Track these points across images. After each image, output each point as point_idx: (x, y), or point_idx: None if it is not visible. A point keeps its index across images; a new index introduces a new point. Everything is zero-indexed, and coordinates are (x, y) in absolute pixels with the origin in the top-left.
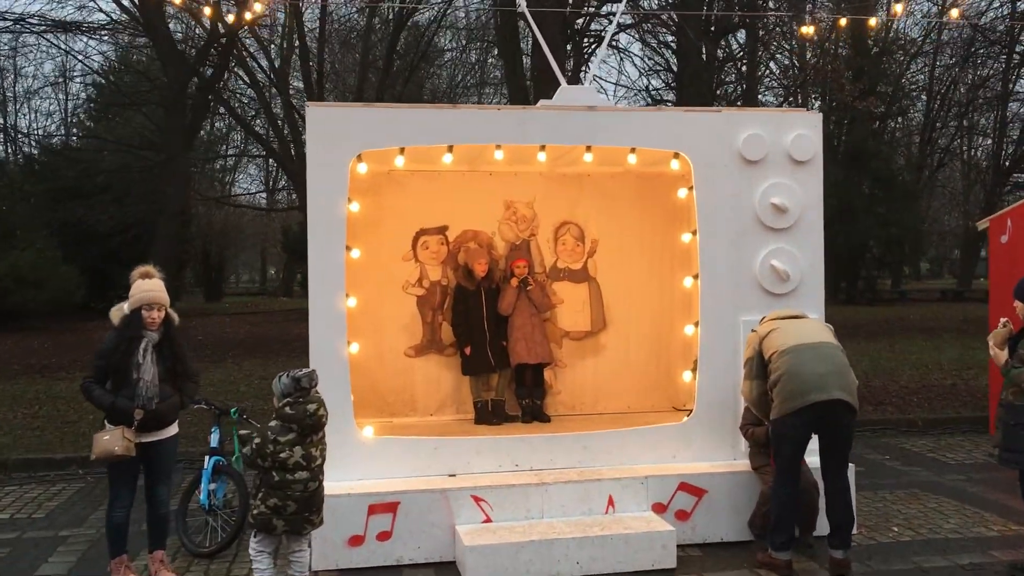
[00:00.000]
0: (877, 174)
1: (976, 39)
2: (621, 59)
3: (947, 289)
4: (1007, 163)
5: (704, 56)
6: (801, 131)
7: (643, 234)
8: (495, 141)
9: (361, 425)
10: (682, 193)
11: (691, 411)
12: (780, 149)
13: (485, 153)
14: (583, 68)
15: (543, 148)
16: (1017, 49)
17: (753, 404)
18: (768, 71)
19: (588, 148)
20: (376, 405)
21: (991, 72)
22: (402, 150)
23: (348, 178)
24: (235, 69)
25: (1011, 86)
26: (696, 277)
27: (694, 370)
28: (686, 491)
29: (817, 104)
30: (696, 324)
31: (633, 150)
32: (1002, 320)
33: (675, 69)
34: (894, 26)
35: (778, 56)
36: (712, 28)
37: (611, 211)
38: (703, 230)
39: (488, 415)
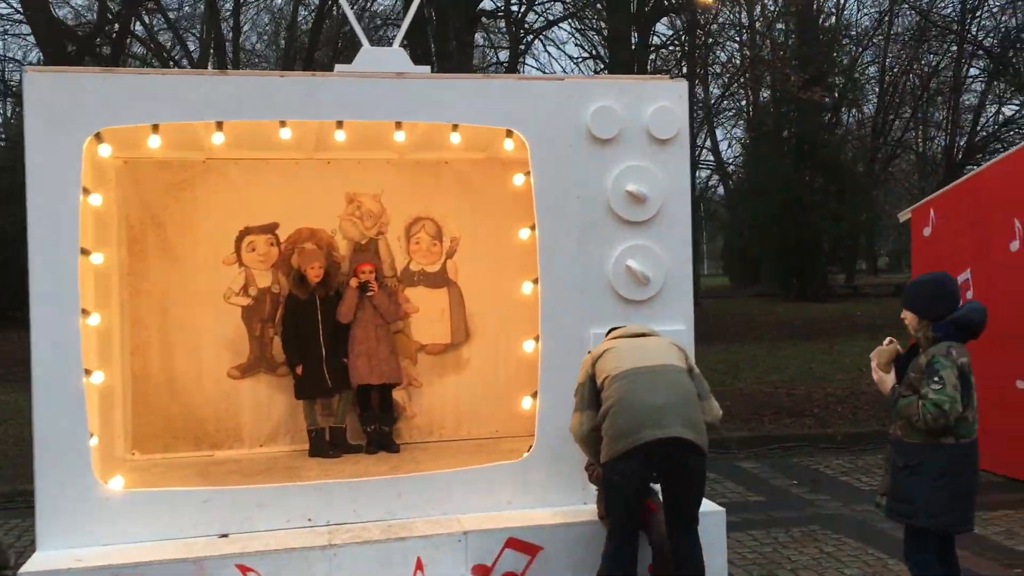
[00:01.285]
0: (827, 166)
1: (927, 29)
2: (551, 53)
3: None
4: (959, 155)
5: (634, 44)
6: (663, 103)
7: (512, 231)
8: (278, 116)
9: (108, 476)
10: (518, 180)
11: (531, 446)
12: (637, 125)
13: (322, 136)
14: (520, 60)
15: (340, 125)
16: (968, 39)
17: (583, 442)
18: (711, 59)
19: (399, 125)
20: (193, 436)
21: (942, 63)
22: (156, 128)
23: (81, 163)
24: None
25: (964, 77)
26: (536, 282)
27: (535, 395)
28: (516, 548)
29: (767, 94)
30: (537, 339)
31: (455, 128)
32: (888, 338)
33: (606, 59)
34: (843, 15)
35: (722, 44)
36: (646, 9)
37: (474, 204)
38: (542, 225)
39: (324, 446)
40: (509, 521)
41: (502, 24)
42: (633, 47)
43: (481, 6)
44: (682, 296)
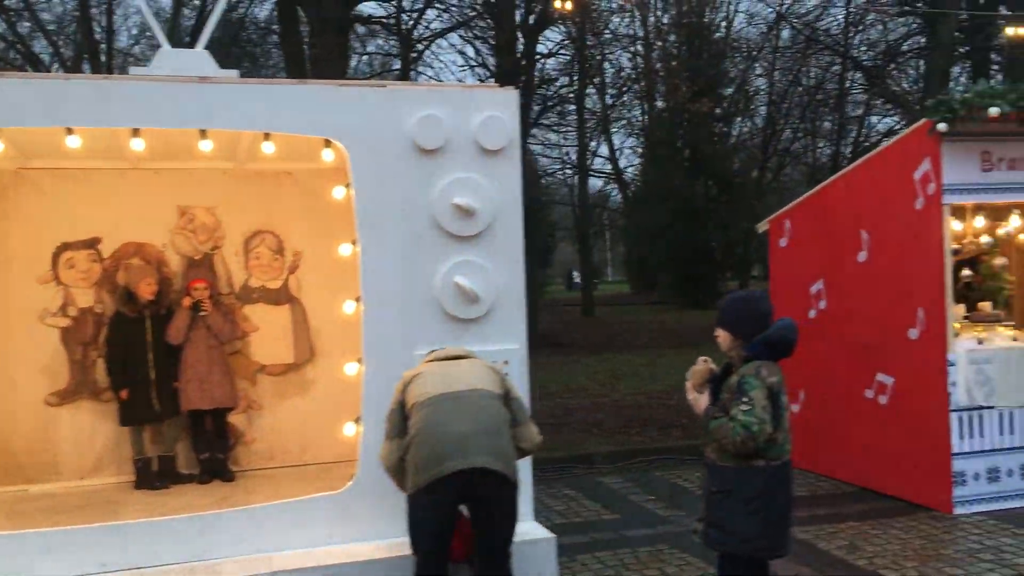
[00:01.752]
0: (717, 176)
1: (811, 44)
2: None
3: None
4: (845, 164)
5: (520, 53)
6: (492, 112)
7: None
8: (64, 122)
9: None
10: (339, 193)
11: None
12: (465, 135)
13: (155, 145)
14: (412, 68)
15: (136, 133)
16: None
17: (392, 472)
18: (601, 69)
19: (203, 134)
20: (4, 470)
21: (826, 76)
22: None
23: None
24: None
25: (847, 90)
26: (359, 300)
27: (358, 421)
28: None
29: (660, 105)
30: (360, 361)
31: (267, 136)
32: (702, 357)
33: (491, 68)
34: (732, 28)
35: (614, 55)
36: (531, 19)
37: (319, 217)
38: (365, 240)
39: (151, 476)
40: (327, 558)
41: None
42: (519, 56)
43: (357, 11)
44: (515, 313)
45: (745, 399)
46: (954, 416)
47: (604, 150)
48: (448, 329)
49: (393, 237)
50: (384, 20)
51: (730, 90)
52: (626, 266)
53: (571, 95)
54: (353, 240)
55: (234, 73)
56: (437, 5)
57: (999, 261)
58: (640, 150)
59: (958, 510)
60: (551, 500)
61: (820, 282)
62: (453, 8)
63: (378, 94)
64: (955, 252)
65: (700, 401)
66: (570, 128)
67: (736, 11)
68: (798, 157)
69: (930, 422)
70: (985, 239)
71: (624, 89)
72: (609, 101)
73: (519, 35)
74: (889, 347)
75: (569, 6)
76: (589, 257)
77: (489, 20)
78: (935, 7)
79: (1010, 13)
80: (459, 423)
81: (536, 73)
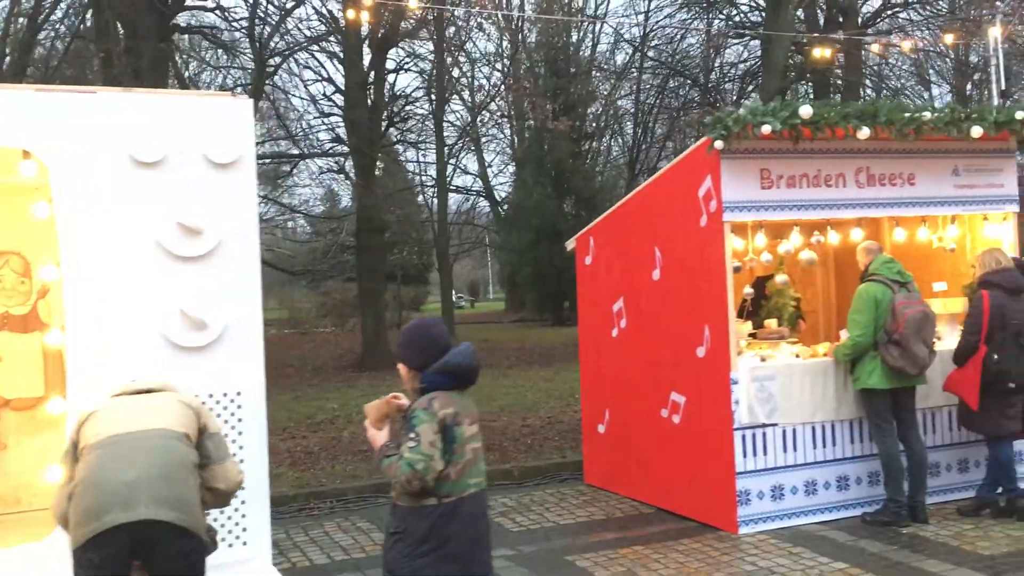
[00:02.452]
0: (579, 194)
1: (673, 70)
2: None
3: None
4: None
5: (367, 66)
6: (222, 123)
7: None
8: None
9: None
10: (42, 211)
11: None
12: (191, 147)
13: None
14: (267, 83)
15: None
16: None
17: (62, 522)
18: (458, 87)
19: None
20: None
21: (689, 100)
22: None
23: None
24: None
25: (706, 115)
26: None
27: None
28: None
29: (528, 124)
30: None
31: None
32: (393, 393)
33: (341, 86)
34: (597, 49)
35: (479, 73)
36: (380, 34)
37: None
38: (71, 263)
39: None
40: None
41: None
42: (366, 70)
43: (176, 20)
44: (250, 341)
45: (412, 435)
46: (738, 434)
47: (473, 166)
48: (173, 359)
49: (104, 261)
50: (206, 30)
51: (592, 109)
52: (502, 284)
53: (427, 111)
54: (58, 262)
55: None
56: (293, 18)
57: (780, 278)
58: (505, 167)
59: (743, 529)
60: (339, 534)
61: (621, 300)
62: (303, 24)
63: (86, 101)
64: (736, 269)
65: (377, 438)
66: (429, 145)
67: (601, 32)
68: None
69: (716, 441)
70: (766, 256)
71: (482, 107)
72: (468, 118)
73: (366, 49)
74: (681, 365)
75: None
76: (449, 276)
77: (336, 36)
78: (769, 30)
79: (842, 36)
80: (126, 469)
81: (396, 90)
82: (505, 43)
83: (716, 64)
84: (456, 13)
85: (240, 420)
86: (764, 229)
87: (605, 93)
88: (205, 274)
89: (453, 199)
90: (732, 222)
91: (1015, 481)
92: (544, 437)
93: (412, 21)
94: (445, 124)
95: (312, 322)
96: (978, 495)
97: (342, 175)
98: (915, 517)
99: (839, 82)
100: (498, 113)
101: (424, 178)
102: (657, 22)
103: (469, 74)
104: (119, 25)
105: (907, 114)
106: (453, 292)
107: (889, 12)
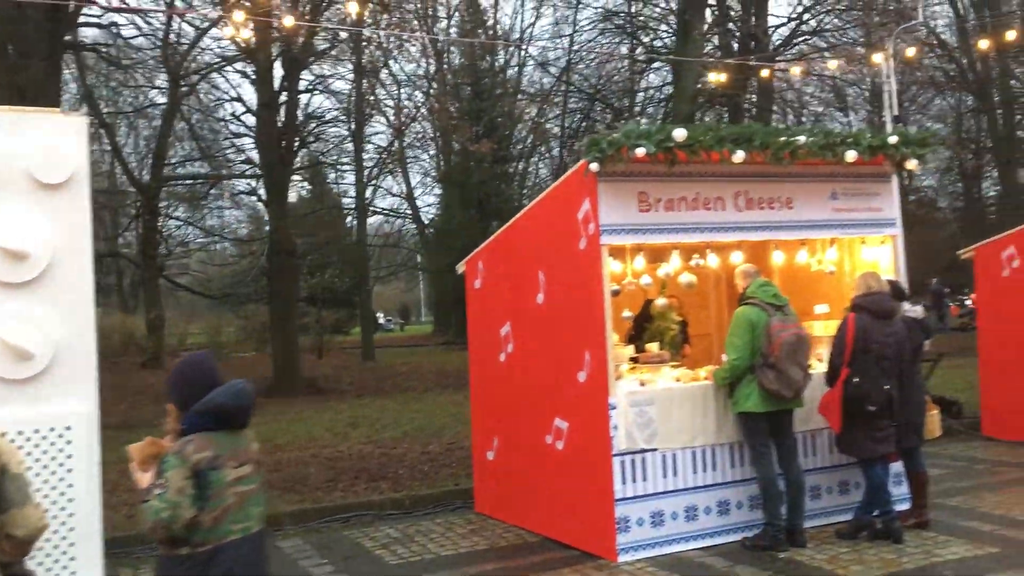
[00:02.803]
0: (503, 216)
1: (592, 97)
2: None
3: None
4: None
5: (278, 87)
6: (51, 140)
7: None
8: None
9: None
10: None
11: None
12: (15, 166)
13: None
14: (184, 103)
15: None
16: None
17: None
18: (379, 108)
19: None
20: None
21: (612, 124)
22: None
23: None
24: None
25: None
26: None
27: None
28: None
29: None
30: None
31: None
32: (149, 438)
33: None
34: (522, 71)
35: (393, 93)
36: (292, 55)
37: None
38: None
39: None
40: None
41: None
42: (278, 88)
43: (68, 37)
44: (81, 370)
45: (161, 481)
46: (616, 460)
47: (400, 188)
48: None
49: None
50: (99, 47)
51: (517, 132)
52: (430, 307)
53: (346, 133)
54: None
55: None
56: (209, 37)
57: (660, 302)
58: (437, 189)
59: (622, 557)
60: None
61: (508, 325)
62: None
63: None
64: (615, 292)
65: (142, 480)
66: (346, 166)
67: (526, 55)
68: None
69: (595, 467)
70: (645, 279)
71: (403, 129)
72: (388, 140)
73: (279, 68)
74: (563, 390)
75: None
76: (369, 300)
77: (248, 57)
78: (680, 55)
79: (743, 61)
80: None
81: (314, 110)
82: (428, 65)
83: (641, 87)
84: (375, 34)
85: (69, 456)
86: (643, 252)
87: (530, 116)
88: (31, 300)
89: (380, 221)
90: (610, 245)
91: (889, 503)
92: (442, 464)
93: (326, 42)
94: (369, 146)
95: (233, 347)
96: (855, 518)
97: (254, 197)
98: (793, 541)
99: (752, 109)
100: (421, 135)
101: (346, 200)
102: (577, 48)
103: (393, 95)
104: (7, 42)
105: (782, 138)
106: (383, 315)
107: (799, 39)
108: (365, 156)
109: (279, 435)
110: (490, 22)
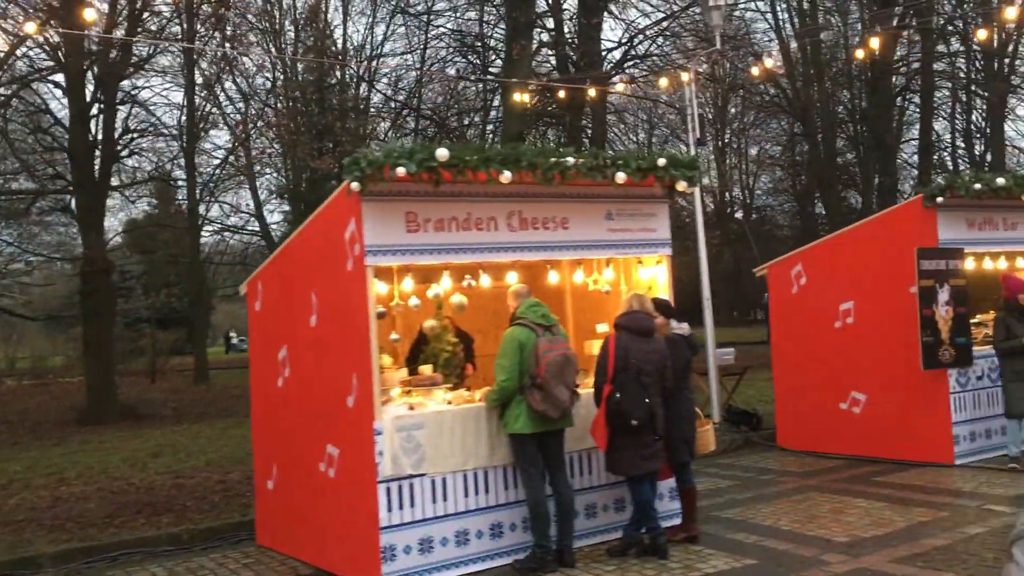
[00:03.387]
0: None
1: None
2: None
3: None
4: None
5: (94, 99)
6: None
7: None
8: None
9: None
10: None
11: None
12: None
13: None
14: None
15: None
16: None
17: None
18: (209, 122)
19: None
20: None
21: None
22: None
23: None
24: None
25: None
26: None
27: None
28: None
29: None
30: None
31: None
32: None
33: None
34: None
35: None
36: (107, 67)
37: None
38: None
39: None
40: None
41: None
42: (88, 101)
43: None
44: None
45: None
46: (382, 487)
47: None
48: None
49: None
50: None
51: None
52: None
53: (178, 147)
54: None
55: None
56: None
57: (429, 323)
58: (286, 206)
59: None
60: None
61: (285, 348)
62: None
63: None
64: (381, 315)
65: None
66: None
67: (376, 73)
68: None
69: (361, 495)
70: (414, 301)
71: (239, 143)
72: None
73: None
74: (335, 416)
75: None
76: (204, 319)
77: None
78: (508, 75)
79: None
80: None
81: (139, 123)
82: (267, 80)
83: (495, 105)
84: (207, 46)
85: None
86: (412, 273)
87: (374, 134)
88: None
89: (231, 238)
90: (376, 266)
91: (656, 520)
92: (236, 494)
93: (146, 53)
94: (209, 159)
95: (60, 371)
96: (625, 535)
97: (66, 213)
98: (563, 562)
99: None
100: (263, 150)
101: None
102: (417, 67)
103: (234, 109)
104: None
105: (552, 159)
106: (235, 334)
107: (629, 63)
108: (210, 171)
109: (70, 467)
110: (332, 37)
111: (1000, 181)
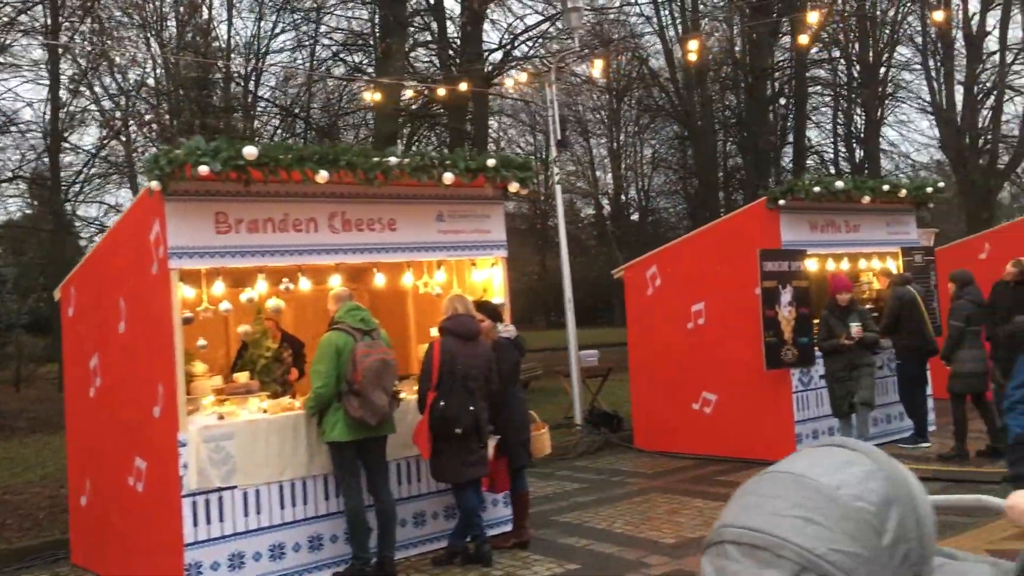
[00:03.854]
0: None
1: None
2: None
3: None
4: None
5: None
6: None
7: None
8: None
9: None
10: None
11: None
12: None
13: None
14: None
15: None
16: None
17: None
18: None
19: None
20: None
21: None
22: None
23: None
24: None
25: None
26: None
27: None
28: None
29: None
30: None
31: None
32: None
33: None
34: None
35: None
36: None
37: None
38: None
39: None
40: None
41: None
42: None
43: None
44: None
45: None
46: (187, 501)
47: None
48: None
49: None
50: None
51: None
52: None
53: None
54: None
55: None
56: None
57: (242, 328)
58: None
59: None
60: None
61: (96, 357)
62: None
63: None
64: (187, 320)
65: None
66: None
67: (264, 70)
68: None
69: (165, 510)
70: (225, 305)
71: (108, 141)
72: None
73: None
74: (142, 428)
75: None
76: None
77: None
78: (381, 73)
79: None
80: None
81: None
82: (145, 75)
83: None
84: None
85: None
86: (224, 276)
87: (260, 133)
88: None
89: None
90: (181, 269)
91: (480, 527)
92: (63, 509)
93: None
94: (76, 159)
95: None
96: (449, 544)
97: None
98: (383, 572)
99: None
100: (133, 148)
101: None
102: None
103: (106, 105)
104: None
105: (373, 159)
106: None
107: (511, 65)
108: (81, 170)
109: None
110: (215, 33)
111: (839, 184)
